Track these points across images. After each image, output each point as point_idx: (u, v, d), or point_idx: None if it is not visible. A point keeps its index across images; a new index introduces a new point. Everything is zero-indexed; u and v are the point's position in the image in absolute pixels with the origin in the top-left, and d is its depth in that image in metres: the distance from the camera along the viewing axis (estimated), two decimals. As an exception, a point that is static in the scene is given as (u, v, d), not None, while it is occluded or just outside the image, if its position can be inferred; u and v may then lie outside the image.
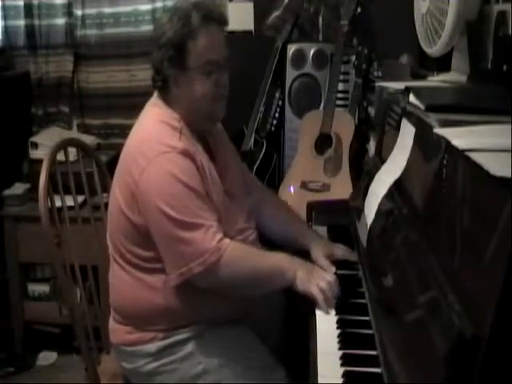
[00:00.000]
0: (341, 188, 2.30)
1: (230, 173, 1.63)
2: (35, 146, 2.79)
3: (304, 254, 1.62)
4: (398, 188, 1.31)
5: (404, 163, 1.29)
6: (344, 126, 2.44)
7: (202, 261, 1.38)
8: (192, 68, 1.46)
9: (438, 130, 1.05)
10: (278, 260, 1.50)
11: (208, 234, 1.40)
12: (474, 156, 0.87)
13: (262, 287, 1.51)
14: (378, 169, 1.49)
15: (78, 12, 2.96)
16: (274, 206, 1.80)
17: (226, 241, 1.42)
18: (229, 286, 1.46)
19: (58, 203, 1.72)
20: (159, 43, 1.47)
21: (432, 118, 1.16)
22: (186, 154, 1.44)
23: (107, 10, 2.95)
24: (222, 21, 1.52)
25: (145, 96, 1.62)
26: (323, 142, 2.46)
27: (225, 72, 1.51)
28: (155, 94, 1.57)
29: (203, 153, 1.53)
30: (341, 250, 1.60)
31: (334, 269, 1.52)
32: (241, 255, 1.46)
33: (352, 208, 1.73)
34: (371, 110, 2.40)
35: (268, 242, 1.71)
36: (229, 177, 1.61)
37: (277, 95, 2.80)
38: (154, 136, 1.48)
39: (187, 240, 1.39)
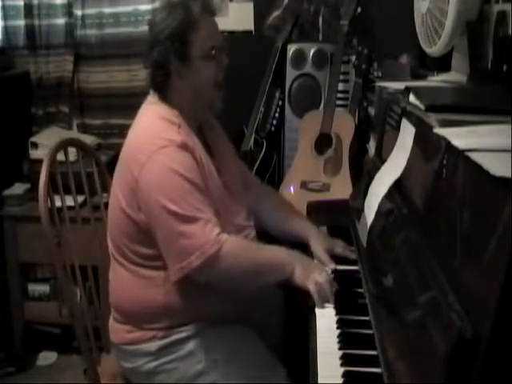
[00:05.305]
0: (341, 188, 2.30)
1: (228, 168, 1.65)
2: (35, 146, 2.78)
3: (303, 248, 1.64)
4: (398, 188, 1.31)
5: (404, 163, 1.29)
6: (344, 126, 2.44)
7: (201, 253, 1.39)
8: (195, 57, 1.49)
9: (438, 130, 1.05)
10: (277, 253, 1.51)
11: (207, 227, 1.40)
12: (473, 156, 0.87)
13: (261, 280, 1.51)
14: (377, 169, 1.49)
15: (78, 12, 2.95)
16: (274, 201, 1.82)
17: (225, 235, 1.43)
18: (228, 278, 1.46)
19: (57, 203, 1.72)
20: (161, 38, 1.48)
21: (432, 118, 1.16)
22: (184, 147, 1.45)
23: (107, 9, 2.94)
24: (215, 10, 1.56)
25: (145, 96, 1.62)
26: (323, 142, 2.46)
27: (224, 53, 1.56)
28: (151, 93, 1.58)
29: (201, 147, 1.54)
30: (340, 247, 1.63)
31: (333, 264, 1.56)
32: (240, 248, 1.47)
33: (352, 208, 1.73)
34: (371, 110, 2.40)
35: (268, 237, 1.72)
36: (227, 172, 1.62)
37: (277, 95, 2.80)
38: (152, 131, 1.49)
39: (187, 233, 1.40)
